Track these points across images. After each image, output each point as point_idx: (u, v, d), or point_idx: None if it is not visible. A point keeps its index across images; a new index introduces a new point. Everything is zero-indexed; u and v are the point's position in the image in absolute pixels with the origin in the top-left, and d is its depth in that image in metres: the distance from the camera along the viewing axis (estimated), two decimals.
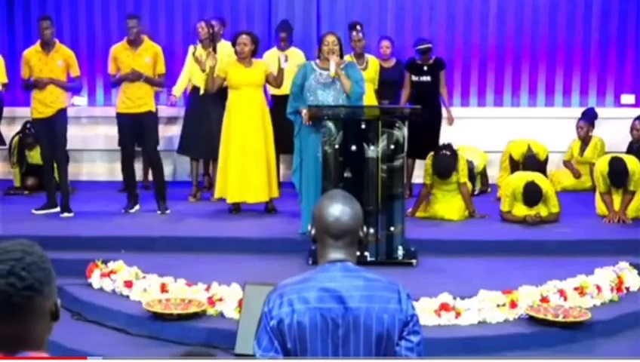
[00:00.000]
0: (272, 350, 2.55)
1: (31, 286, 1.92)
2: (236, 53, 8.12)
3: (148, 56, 8.17)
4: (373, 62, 8.89)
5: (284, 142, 8.11)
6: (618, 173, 7.88)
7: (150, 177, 8.96)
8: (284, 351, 2.55)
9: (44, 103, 8.04)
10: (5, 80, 9.31)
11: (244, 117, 8.02)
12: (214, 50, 8.67)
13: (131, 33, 8.13)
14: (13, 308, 1.91)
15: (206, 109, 8.77)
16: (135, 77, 8.07)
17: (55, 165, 8.22)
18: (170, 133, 9.90)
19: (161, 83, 8.39)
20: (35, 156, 9.27)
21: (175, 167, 10.10)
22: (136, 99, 8.13)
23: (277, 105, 8.22)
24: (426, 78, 9.05)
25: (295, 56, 8.94)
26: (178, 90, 9.13)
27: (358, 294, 2.56)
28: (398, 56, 9.37)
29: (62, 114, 8.12)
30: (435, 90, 9.13)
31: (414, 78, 9.06)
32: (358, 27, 8.76)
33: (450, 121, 9.42)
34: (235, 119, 8.06)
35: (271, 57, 8.76)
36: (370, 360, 2.55)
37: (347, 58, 8.01)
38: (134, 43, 8.16)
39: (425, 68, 9.06)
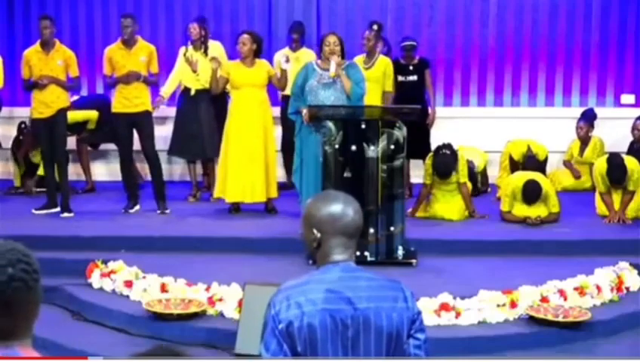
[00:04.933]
0: (280, 353, 2.50)
1: (38, 270, 1.96)
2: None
3: (143, 55, 8.17)
4: (381, 63, 8.69)
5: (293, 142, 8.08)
6: (617, 167, 7.85)
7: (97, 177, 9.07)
8: (294, 353, 2.50)
9: (45, 103, 8.03)
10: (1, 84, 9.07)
11: (245, 117, 8.04)
12: (206, 51, 8.67)
13: (125, 33, 8.11)
14: (29, 292, 1.93)
15: (197, 110, 8.75)
16: (133, 78, 8.07)
17: (55, 165, 8.20)
18: (166, 132, 9.86)
19: (154, 82, 8.38)
20: (34, 156, 9.26)
21: (170, 167, 10.06)
22: (133, 98, 8.13)
23: (287, 106, 8.19)
24: (412, 78, 9.03)
25: (306, 57, 8.83)
26: (167, 91, 8.93)
27: (364, 294, 2.55)
28: (397, 56, 9.35)
29: (62, 114, 8.12)
30: (421, 89, 9.09)
31: (400, 78, 9.01)
32: (374, 27, 8.69)
33: (432, 121, 9.10)
34: (236, 119, 8.09)
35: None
36: (376, 361, 2.54)
37: (356, 58, 7.96)
38: (129, 43, 8.16)
39: (410, 67, 9.05)
